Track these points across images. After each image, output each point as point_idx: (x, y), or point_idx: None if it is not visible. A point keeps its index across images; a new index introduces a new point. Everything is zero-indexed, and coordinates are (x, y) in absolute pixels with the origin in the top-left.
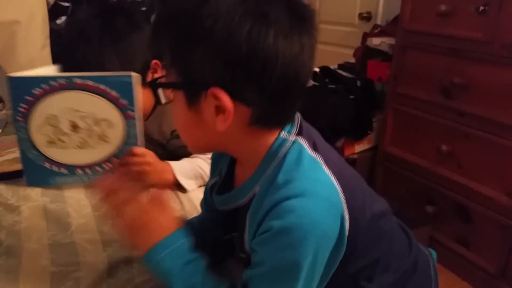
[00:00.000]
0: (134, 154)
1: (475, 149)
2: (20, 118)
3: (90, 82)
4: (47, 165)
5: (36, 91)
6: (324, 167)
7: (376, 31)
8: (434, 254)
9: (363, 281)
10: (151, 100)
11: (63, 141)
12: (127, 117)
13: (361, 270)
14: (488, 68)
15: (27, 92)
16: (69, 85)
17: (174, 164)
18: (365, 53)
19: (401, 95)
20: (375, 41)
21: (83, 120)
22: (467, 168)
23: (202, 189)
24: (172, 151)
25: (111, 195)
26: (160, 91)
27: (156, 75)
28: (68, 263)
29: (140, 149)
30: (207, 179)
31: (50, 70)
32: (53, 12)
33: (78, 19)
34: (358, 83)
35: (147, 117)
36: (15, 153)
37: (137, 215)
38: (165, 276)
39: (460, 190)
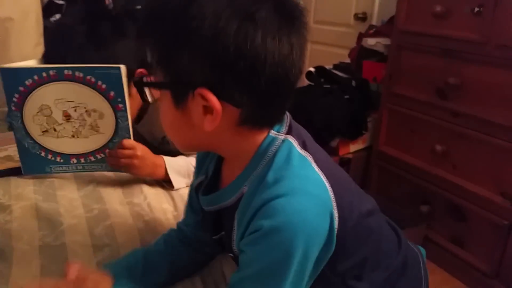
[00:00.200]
0: (123, 147)
1: (469, 149)
2: (14, 108)
3: (79, 74)
4: (42, 153)
5: (28, 82)
6: (313, 165)
7: (372, 31)
8: (423, 251)
9: (351, 280)
10: (139, 103)
11: (57, 130)
12: (117, 109)
13: (349, 269)
14: (482, 69)
15: (19, 83)
16: (60, 76)
17: (167, 159)
18: (360, 53)
19: (396, 95)
20: (370, 42)
21: (75, 110)
22: (462, 168)
23: None
24: (165, 152)
25: None
26: (147, 90)
27: None
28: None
29: (129, 142)
30: None
31: (33, 63)
32: (47, 9)
33: (64, 23)
34: (353, 83)
35: (138, 120)
36: (7, 151)
37: None
38: None
39: (455, 190)
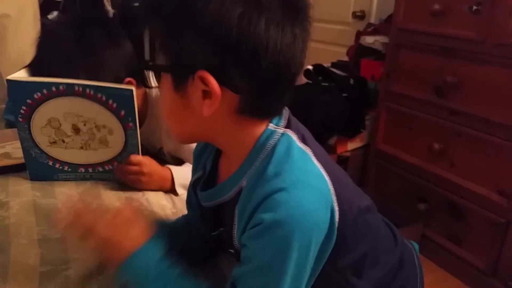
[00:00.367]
0: (130, 163)
1: (467, 147)
2: (21, 120)
3: (90, 91)
4: (50, 162)
5: (37, 95)
6: (313, 159)
7: (370, 29)
8: (416, 246)
9: (351, 276)
10: (139, 104)
11: (65, 142)
12: (127, 127)
13: (349, 266)
14: (480, 67)
15: (27, 96)
16: (70, 92)
17: (175, 171)
18: (358, 51)
19: (394, 94)
20: (368, 40)
21: (84, 124)
22: (459, 166)
23: None
24: (162, 161)
25: (78, 217)
26: (150, 75)
27: None
28: (58, 261)
29: (137, 158)
30: None
31: (23, 73)
32: (45, 7)
33: (53, 28)
34: (351, 81)
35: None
36: (5, 148)
37: (106, 233)
38: None
39: (452, 188)
